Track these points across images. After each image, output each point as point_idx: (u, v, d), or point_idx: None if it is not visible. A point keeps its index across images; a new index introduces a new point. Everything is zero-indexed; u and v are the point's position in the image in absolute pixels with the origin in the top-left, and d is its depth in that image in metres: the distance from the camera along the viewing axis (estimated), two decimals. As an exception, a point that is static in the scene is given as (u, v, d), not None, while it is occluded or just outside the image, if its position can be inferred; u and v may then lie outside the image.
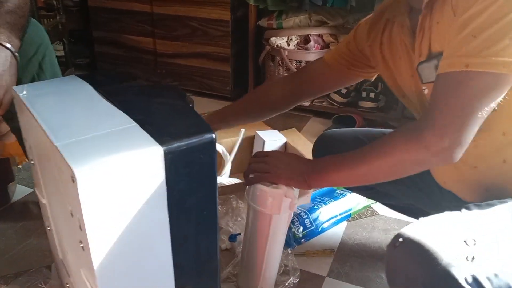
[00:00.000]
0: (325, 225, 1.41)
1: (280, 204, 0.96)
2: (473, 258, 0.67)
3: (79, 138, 0.69)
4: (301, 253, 1.31)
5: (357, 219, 1.48)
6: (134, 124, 0.73)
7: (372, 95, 2.08)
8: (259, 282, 1.09)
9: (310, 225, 1.38)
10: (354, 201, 1.49)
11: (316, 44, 2.09)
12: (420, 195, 1.08)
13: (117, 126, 0.72)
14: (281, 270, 1.20)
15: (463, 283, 0.65)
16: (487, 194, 0.88)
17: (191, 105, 0.89)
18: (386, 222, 1.46)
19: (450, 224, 0.74)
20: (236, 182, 1.48)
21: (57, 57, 2.22)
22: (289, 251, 1.30)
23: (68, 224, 0.78)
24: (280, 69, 2.14)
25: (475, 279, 0.65)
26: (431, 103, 0.76)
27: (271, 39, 2.14)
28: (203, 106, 2.29)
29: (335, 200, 1.48)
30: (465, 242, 0.69)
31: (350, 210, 1.47)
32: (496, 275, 0.66)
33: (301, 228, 1.36)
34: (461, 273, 0.65)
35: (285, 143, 1.64)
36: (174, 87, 0.92)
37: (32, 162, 0.98)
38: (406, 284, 0.72)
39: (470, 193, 0.92)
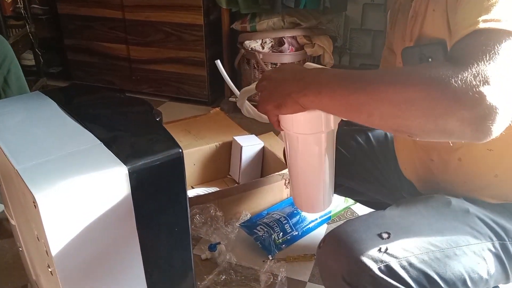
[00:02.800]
0: (305, 229, 1.40)
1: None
2: (386, 249, 0.72)
3: (41, 160, 0.67)
4: (282, 259, 1.30)
5: (337, 221, 1.48)
6: (98, 143, 0.71)
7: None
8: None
9: (290, 230, 1.37)
10: (333, 203, 1.49)
11: (290, 46, 2.09)
12: (382, 190, 1.10)
13: (81, 146, 0.70)
14: (270, 281, 1.19)
15: (376, 271, 0.70)
16: (437, 188, 0.91)
17: (158, 119, 0.87)
18: (366, 223, 1.46)
19: (369, 221, 0.79)
20: (213, 191, 1.47)
21: (28, 67, 2.17)
22: (270, 258, 1.30)
23: (36, 247, 0.76)
24: (256, 72, 2.13)
25: (389, 268, 0.70)
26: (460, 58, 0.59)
27: (245, 42, 2.13)
28: (181, 111, 2.27)
29: (314, 203, 1.47)
30: (379, 235, 0.74)
31: (329, 212, 1.47)
32: (411, 264, 0.72)
33: (281, 234, 1.35)
34: (375, 263, 0.70)
35: (263, 148, 1.63)
36: (141, 100, 0.90)
37: (-2, 182, 0.95)
38: (330, 279, 0.77)
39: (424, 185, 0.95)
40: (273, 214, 1.43)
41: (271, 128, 2.02)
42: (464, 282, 0.76)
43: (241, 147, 1.60)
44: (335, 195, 1.42)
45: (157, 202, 0.72)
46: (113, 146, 0.70)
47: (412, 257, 0.73)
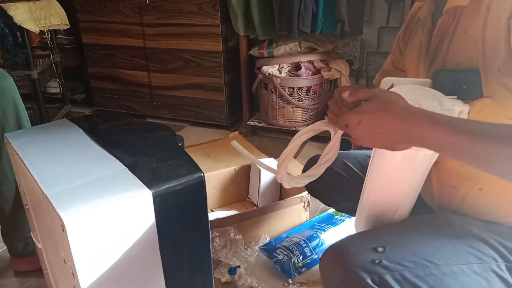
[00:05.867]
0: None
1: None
2: (380, 261, 0.74)
3: (69, 185, 0.70)
4: (303, 283, 1.29)
5: (357, 244, 1.47)
6: (123, 168, 0.74)
7: (366, 117, 2.10)
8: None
9: (310, 253, 1.37)
10: (352, 226, 1.49)
11: (307, 71, 2.12)
12: None
13: (107, 171, 0.73)
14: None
15: (369, 282, 0.72)
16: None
17: (180, 144, 0.90)
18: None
19: (366, 235, 0.83)
20: (232, 214, 1.48)
21: (53, 94, 2.23)
22: (290, 281, 1.29)
23: (62, 270, 0.79)
24: (274, 96, 2.17)
25: (382, 280, 0.72)
26: None
27: (263, 67, 2.17)
28: (200, 135, 2.31)
29: (334, 226, 1.47)
30: (375, 249, 0.77)
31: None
32: (404, 277, 0.73)
33: (301, 257, 1.35)
34: (368, 274, 0.72)
35: (281, 171, 1.64)
36: (164, 126, 0.93)
37: (26, 207, 0.99)
38: (327, 287, 0.80)
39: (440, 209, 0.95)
40: (292, 237, 1.43)
41: (298, 150, 2.04)
42: None
43: (259, 170, 1.62)
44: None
45: (179, 225, 0.74)
46: (138, 171, 0.73)
47: (406, 271, 0.74)
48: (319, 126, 0.89)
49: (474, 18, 0.77)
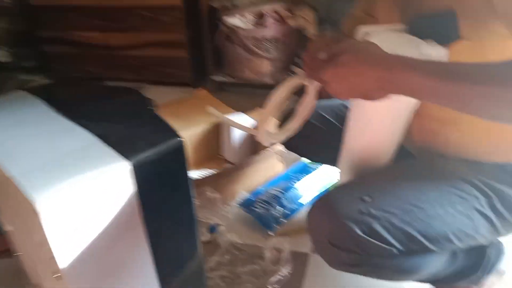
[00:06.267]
0: (302, 201, 1.42)
1: None
2: (368, 211, 0.77)
3: (36, 164, 0.66)
4: (284, 234, 1.32)
5: (333, 191, 1.49)
6: (95, 139, 0.70)
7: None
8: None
9: (288, 204, 1.39)
10: (328, 174, 1.51)
11: (273, 20, 2.06)
12: None
13: (77, 144, 0.69)
14: (274, 257, 1.20)
15: (359, 233, 0.75)
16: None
17: (151, 108, 0.86)
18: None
19: (353, 186, 0.85)
20: (208, 174, 1.47)
21: (2, 64, 2.09)
22: (271, 234, 1.31)
23: (38, 253, 0.75)
24: (239, 49, 2.11)
25: (371, 229, 0.75)
26: None
27: (226, 19, 2.09)
28: (165, 95, 2.24)
29: (309, 173, 1.49)
30: (362, 199, 0.79)
31: (327, 184, 1.49)
32: (392, 224, 0.76)
33: (280, 208, 1.36)
34: (357, 224, 0.75)
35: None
36: (132, 89, 0.88)
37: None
38: (318, 242, 0.83)
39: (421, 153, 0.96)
40: (269, 190, 1.44)
41: (258, 104, 2.01)
42: (448, 239, 0.80)
43: (229, 126, 1.59)
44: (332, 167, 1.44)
45: (161, 194, 0.72)
46: (111, 141, 0.69)
47: (393, 218, 0.77)
48: (295, 81, 0.87)
49: None
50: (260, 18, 2.10)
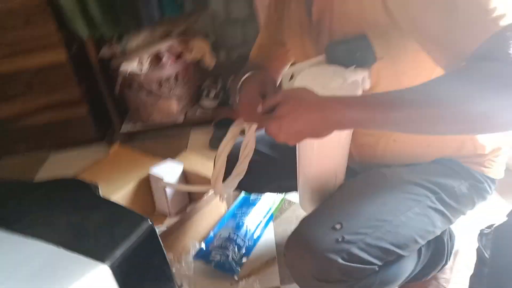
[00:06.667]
0: (256, 235, 1.40)
1: None
2: (343, 238, 0.79)
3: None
4: (248, 274, 1.28)
5: (279, 216, 1.50)
6: (56, 248, 0.61)
7: (239, 90, 2.11)
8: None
9: (243, 242, 1.36)
10: (269, 200, 1.51)
11: (170, 58, 2.02)
12: None
13: (38, 260, 0.60)
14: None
15: (341, 261, 0.77)
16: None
17: (98, 193, 0.78)
18: (306, 208, 1.51)
19: (321, 216, 0.86)
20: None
21: None
22: (236, 278, 1.27)
23: None
24: (142, 94, 2.03)
25: (350, 255, 0.78)
26: None
27: (121, 66, 2.00)
28: (73, 160, 2.08)
29: (253, 206, 1.48)
30: (333, 228, 0.81)
31: (270, 209, 1.49)
32: (367, 244, 0.79)
33: (237, 249, 1.33)
34: (337, 254, 0.77)
35: (183, 170, 1.57)
36: (67, 179, 0.79)
37: None
38: (303, 281, 0.83)
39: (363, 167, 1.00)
40: (220, 234, 1.39)
41: (176, 144, 1.96)
42: (415, 241, 0.85)
43: (162, 179, 1.52)
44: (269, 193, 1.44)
45: (143, 278, 0.65)
46: (76, 246, 0.61)
47: (367, 238, 0.80)
48: (236, 131, 0.90)
49: None
50: (156, 59, 2.05)
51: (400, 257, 0.85)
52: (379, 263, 0.81)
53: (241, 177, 0.95)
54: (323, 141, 0.79)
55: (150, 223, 0.64)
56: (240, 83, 0.95)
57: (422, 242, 0.87)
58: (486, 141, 0.92)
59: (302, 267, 0.82)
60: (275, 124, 0.73)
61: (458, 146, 0.93)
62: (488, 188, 0.95)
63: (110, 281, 0.58)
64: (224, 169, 0.91)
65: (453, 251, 1.11)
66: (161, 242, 0.66)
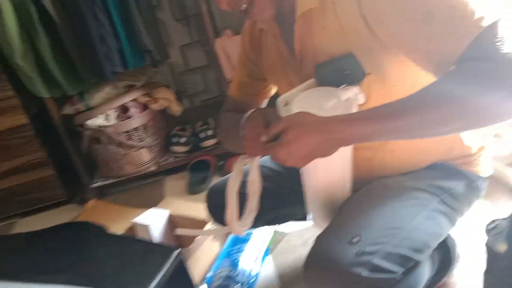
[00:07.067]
0: (254, 272, 1.36)
1: None
2: (364, 250, 0.78)
3: None
4: (255, 310, 1.24)
5: (274, 248, 1.48)
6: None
7: (209, 132, 2.11)
8: None
9: (243, 278, 1.32)
10: (262, 234, 1.49)
11: (136, 109, 2.00)
12: None
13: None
14: None
15: (365, 274, 0.76)
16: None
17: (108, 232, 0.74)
18: (299, 236, 1.50)
19: (335, 233, 0.85)
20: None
21: None
22: (242, 316, 1.22)
23: None
24: (111, 148, 1.98)
25: (373, 265, 0.77)
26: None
27: (87, 122, 1.95)
28: (43, 223, 1.96)
29: (246, 242, 1.45)
30: (351, 242, 0.80)
31: (264, 243, 1.46)
32: (387, 252, 0.79)
33: (239, 286, 1.28)
34: (360, 267, 0.76)
35: (169, 215, 1.53)
36: (76, 224, 0.75)
37: None
38: None
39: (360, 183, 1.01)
40: (218, 273, 1.35)
41: (151, 193, 1.91)
42: (428, 245, 0.87)
43: (147, 226, 1.46)
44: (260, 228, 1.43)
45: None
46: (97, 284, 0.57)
47: (386, 246, 0.80)
48: (241, 166, 0.93)
49: (326, 14, 0.84)
50: (122, 111, 2.02)
51: (417, 263, 0.85)
52: (401, 270, 0.80)
53: (255, 214, 0.96)
54: (330, 160, 0.80)
55: (179, 249, 0.62)
56: (245, 118, 0.97)
57: (434, 244, 0.88)
58: (471, 141, 0.97)
59: (325, 285, 0.80)
60: (284, 150, 0.76)
61: (448, 149, 0.97)
62: (481, 186, 0.99)
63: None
64: (236, 208, 0.91)
65: (457, 256, 1.13)
66: (188, 270, 0.63)
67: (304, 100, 0.87)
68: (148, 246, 0.65)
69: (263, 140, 0.82)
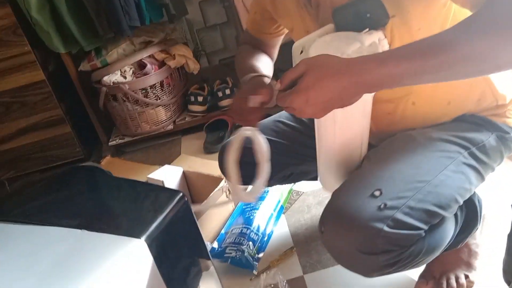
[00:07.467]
0: (268, 230, 1.34)
1: None
2: (385, 205, 0.72)
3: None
4: (267, 267, 1.22)
5: (289, 207, 1.44)
6: (87, 232, 0.54)
7: (228, 91, 2.06)
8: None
9: (257, 236, 1.30)
10: (278, 193, 1.45)
11: (153, 66, 1.96)
12: None
13: (62, 244, 0.52)
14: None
15: (387, 229, 0.70)
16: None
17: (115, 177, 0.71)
18: (315, 196, 1.46)
19: (355, 187, 0.79)
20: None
21: None
22: (255, 273, 1.20)
23: None
24: (128, 105, 1.96)
25: (395, 221, 0.71)
26: None
27: (103, 79, 1.93)
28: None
29: (262, 200, 1.42)
30: (372, 195, 0.74)
31: (279, 202, 1.43)
32: (411, 207, 0.74)
33: (251, 244, 1.26)
34: (382, 222, 0.71)
35: (183, 172, 1.51)
36: (85, 167, 0.72)
37: None
38: (346, 257, 0.77)
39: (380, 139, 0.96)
40: (232, 230, 1.33)
41: (167, 153, 1.89)
42: (455, 200, 0.80)
43: (162, 182, 1.45)
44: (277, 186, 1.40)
45: (178, 255, 0.58)
46: (108, 226, 0.54)
47: (409, 201, 0.74)
48: (241, 136, 0.91)
49: None
50: (139, 68, 1.99)
51: (442, 220, 0.79)
52: (425, 227, 0.75)
53: (265, 181, 0.93)
54: (347, 109, 0.75)
55: (182, 194, 0.58)
56: (244, 81, 0.94)
57: (461, 200, 0.82)
58: (504, 91, 0.90)
59: (343, 241, 0.75)
60: (300, 98, 0.68)
61: (479, 99, 0.90)
62: None
63: (146, 255, 0.52)
64: (237, 175, 0.91)
65: (483, 216, 1.07)
66: (194, 215, 0.60)
67: (323, 46, 0.80)
68: (152, 188, 0.61)
69: (277, 89, 0.74)
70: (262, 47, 1.13)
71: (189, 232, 0.62)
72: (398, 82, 0.66)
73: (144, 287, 0.51)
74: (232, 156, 0.92)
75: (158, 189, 0.62)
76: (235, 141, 0.91)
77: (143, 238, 0.52)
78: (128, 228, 0.53)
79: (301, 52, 0.84)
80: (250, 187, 0.97)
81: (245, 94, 0.85)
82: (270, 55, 1.15)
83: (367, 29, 0.78)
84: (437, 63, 0.62)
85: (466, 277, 1.03)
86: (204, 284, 0.69)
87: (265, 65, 1.06)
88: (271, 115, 1.20)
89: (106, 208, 0.60)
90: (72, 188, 0.67)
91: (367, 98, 0.82)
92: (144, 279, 0.52)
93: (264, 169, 0.92)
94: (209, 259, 0.69)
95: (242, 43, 1.17)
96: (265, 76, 0.96)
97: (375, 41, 0.77)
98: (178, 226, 0.58)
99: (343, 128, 0.87)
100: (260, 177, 0.92)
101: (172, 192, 0.59)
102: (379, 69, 0.64)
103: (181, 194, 0.59)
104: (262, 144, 0.89)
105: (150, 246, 0.52)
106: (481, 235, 1.08)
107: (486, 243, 1.09)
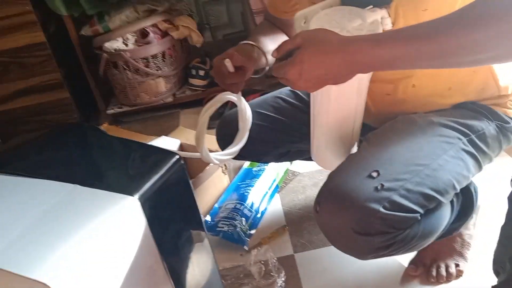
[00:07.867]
0: (262, 208, 1.33)
1: None
2: (382, 186, 0.72)
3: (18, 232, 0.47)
4: (258, 244, 1.21)
5: (284, 187, 1.44)
6: (80, 187, 0.53)
7: (230, 66, 2.03)
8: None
9: (250, 212, 1.29)
10: (274, 172, 1.44)
11: (155, 35, 1.93)
12: None
13: (55, 197, 0.51)
14: (262, 270, 1.09)
15: (383, 211, 0.70)
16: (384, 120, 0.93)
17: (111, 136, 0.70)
18: (311, 177, 1.45)
19: (352, 167, 0.79)
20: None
21: None
22: (246, 248, 1.20)
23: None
24: (128, 73, 1.93)
25: (391, 202, 0.71)
26: None
27: (105, 45, 1.89)
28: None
29: (257, 178, 1.41)
30: (370, 176, 0.73)
31: (274, 181, 1.42)
32: (408, 190, 0.73)
33: (244, 220, 1.26)
34: (378, 203, 0.70)
35: (180, 145, 1.49)
36: (81, 125, 0.71)
37: None
38: (340, 237, 0.76)
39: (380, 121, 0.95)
40: (226, 205, 1.32)
41: (165, 125, 1.87)
42: (453, 186, 0.79)
43: (157, 153, 1.43)
44: (273, 164, 1.39)
45: (172, 219, 0.58)
46: (100, 182, 0.53)
47: (407, 184, 0.74)
48: (221, 98, 0.96)
49: None
50: (141, 37, 1.95)
51: (439, 205, 0.79)
52: (421, 210, 0.74)
53: (242, 145, 0.97)
54: (341, 87, 0.74)
55: (178, 156, 0.57)
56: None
57: (458, 187, 0.81)
58: (506, 81, 0.88)
59: (339, 221, 0.74)
60: (295, 70, 0.68)
61: (482, 88, 0.88)
62: None
63: (139, 214, 0.51)
64: (204, 134, 0.95)
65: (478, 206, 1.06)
66: (189, 178, 0.59)
67: (325, 18, 0.79)
68: (149, 148, 0.60)
69: (274, 57, 0.75)
70: (281, 27, 1.09)
71: (184, 197, 0.61)
72: (391, 65, 0.66)
73: (135, 246, 0.51)
74: (204, 117, 0.96)
75: (155, 149, 0.60)
76: (213, 103, 0.95)
77: (136, 196, 0.51)
78: (122, 185, 0.52)
79: (304, 22, 0.83)
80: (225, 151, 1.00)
81: (225, 56, 0.86)
82: (289, 35, 1.12)
83: (371, 6, 0.77)
84: (431, 50, 0.61)
85: (457, 266, 1.02)
86: (196, 255, 0.68)
87: (271, 41, 1.04)
88: (267, 93, 1.18)
89: (101, 165, 0.58)
90: (67, 144, 0.66)
91: (362, 77, 0.81)
92: (136, 238, 0.51)
93: (242, 136, 0.95)
94: (203, 230, 0.68)
95: (264, 19, 1.15)
96: (256, 46, 0.94)
97: (377, 19, 0.76)
98: (173, 189, 0.57)
99: (337, 104, 0.86)
100: (236, 143, 0.96)
101: (169, 153, 0.57)
102: (372, 51, 0.64)
103: (177, 156, 0.57)
104: (244, 111, 0.91)
105: (143, 205, 0.51)
106: (475, 227, 1.07)
107: (479, 234, 1.09)
